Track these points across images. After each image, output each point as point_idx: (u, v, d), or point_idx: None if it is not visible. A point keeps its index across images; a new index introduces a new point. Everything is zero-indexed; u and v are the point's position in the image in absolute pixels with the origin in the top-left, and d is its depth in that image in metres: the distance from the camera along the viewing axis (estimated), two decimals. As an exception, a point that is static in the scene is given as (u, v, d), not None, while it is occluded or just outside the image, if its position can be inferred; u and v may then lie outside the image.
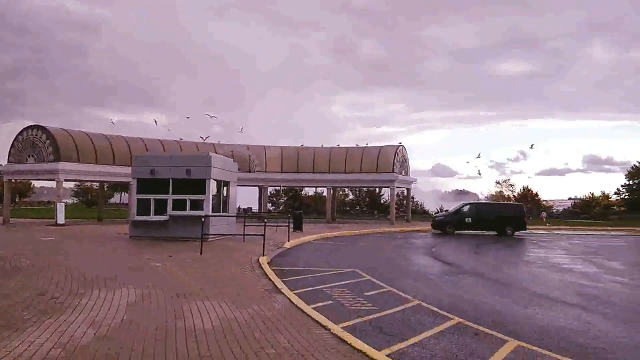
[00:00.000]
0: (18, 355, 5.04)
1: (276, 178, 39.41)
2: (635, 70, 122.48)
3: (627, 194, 65.88)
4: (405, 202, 47.23)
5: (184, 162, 20.24)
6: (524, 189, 69.53)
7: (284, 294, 8.79)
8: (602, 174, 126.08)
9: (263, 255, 14.13)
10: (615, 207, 64.68)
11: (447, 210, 37.99)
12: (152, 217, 19.92)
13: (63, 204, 30.46)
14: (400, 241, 24.48)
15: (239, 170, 36.70)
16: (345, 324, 7.08)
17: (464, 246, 22.16)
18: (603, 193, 69.39)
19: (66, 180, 32.85)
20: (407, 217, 42.62)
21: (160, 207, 19.97)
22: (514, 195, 68.65)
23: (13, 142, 31.80)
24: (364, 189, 59.59)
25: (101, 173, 32.83)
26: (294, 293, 9.14)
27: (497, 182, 75.97)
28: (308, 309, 7.64)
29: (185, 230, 19.11)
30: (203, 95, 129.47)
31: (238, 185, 36.09)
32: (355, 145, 40.45)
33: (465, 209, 31.28)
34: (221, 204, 21.39)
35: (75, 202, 69.21)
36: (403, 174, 39.59)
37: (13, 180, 36.55)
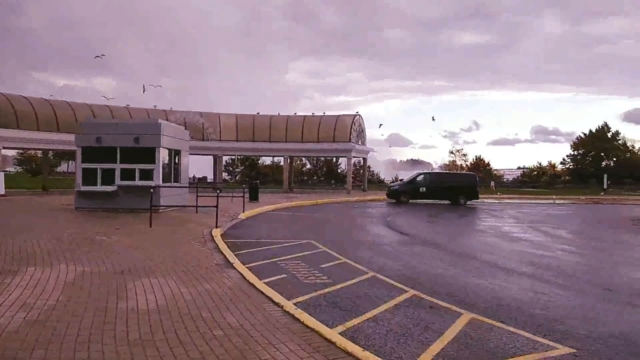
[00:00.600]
0: None
1: (231, 147, 38.52)
2: (581, 44, 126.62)
3: (572, 164, 68.87)
4: (362, 171, 47.47)
5: (132, 129, 19.25)
6: (476, 159, 71.43)
7: (236, 269, 8.45)
8: (548, 144, 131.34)
9: (216, 228, 13.69)
10: (561, 177, 67.53)
11: (402, 180, 38.46)
12: (99, 188, 18.98)
13: (2, 173, 28.64)
14: (357, 211, 24.52)
15: (192, 138, 35.66)
16: (299, 299, 6.84)
17: (419, 215, 22.42)
18: (550, 163, 72.30)
19: (5, 148, 30.87)
20: (363, 186, 42.88)
21: (108, 177, 19.02)
22: (466, 165, 70.44)
23: (-56, 106, 29.44)
24: (321, 158, 59.51)
25: (44, 140, 31.02)
26: (247, 267, 8.83)
27: (451, 152, 77.77)
28: (260, 284, 7.34)
29: (135, 201, 18.33)
30: (156, 60, 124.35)
31: (191, 154, 35.09)
32: (312, 114, 39.93)
33: (420, 178, 31.67)
34: (172, 173, 20.63)
35: (19, 171, 65.84)
36: (360, 143, 39.56)
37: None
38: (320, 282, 8.06)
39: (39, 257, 8.94)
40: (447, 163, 72.79)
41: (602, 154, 66.20)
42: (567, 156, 69.87)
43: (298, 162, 57.92)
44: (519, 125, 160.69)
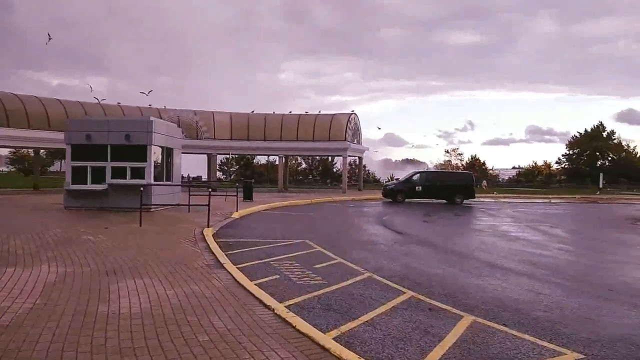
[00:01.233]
0: None
1: (225, 145, 38.07)
2: (575, 44, 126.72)
3: (567, 163, 68.87)
4: (357, 170, 47.15)
5: (123, 126, 18.84)
6: (472, 158, 71.30)
7: (226, 269, 8.12)
8: (543, 144, 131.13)
9: (208, 227, 13.35)
10: (556, 176, 67.51)
11: (397, 179, 38.19)
12: (89, 186, 18.59)
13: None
14: (352, 210, 24.22)
15: (185, 136, 35.36)
16: (291, 302, 6.53)
17: (415, 215, 22.14)
18: (545, 162, 72.25)
19: (-4, 146, 30.42)
20: (359, 185, 42.56)
21: (99, 175, 18.64)
22: (462, 164, 70.28)
23: None
24: (317, 157, 59.19)
25: (35, 139, 30.54)
26: (238, 268, 8.50)
27: (446, 151, 77.64)
28: (251, 285, 7.02)
29: (126, 200, 17.94)
30: (150, 58, 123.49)
31: (185, 153, 34.69)
32: (306, 112, 39.54)
33: (416, 177, 31.39)
34: (165, 172, 20.25)
35: (11, 170, 65.19)
36: (355, 142, 39.26)
37: None
38: (314, 283, 7.74)
39: (20, 257, 8.58)
40: (443, 163, 72.63)
41: (598, 154, 66.22)
42: (562, 155, 69.93)
43: (293, 161, 57.57)
44: (514, 125, 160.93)
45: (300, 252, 10.67)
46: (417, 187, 30.24)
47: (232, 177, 55.56)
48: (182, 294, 6.43)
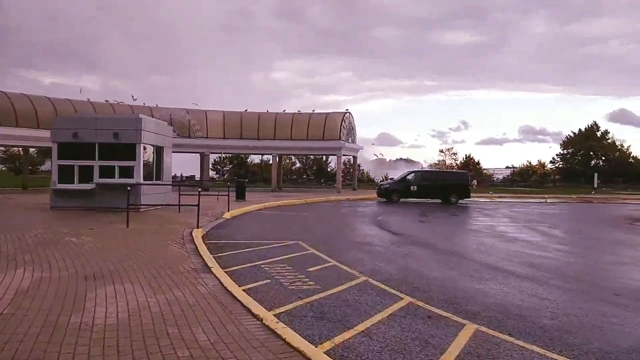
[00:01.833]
0: None
1: (218, 144, 37.55)
2: (568, 44, 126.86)
3: (561, 162, 68.83)
4: (351, 170, 46.79)
5: (111, 124, 18.35)
6: (466, 158, 71.04)
7: (213, 274, 7.68)
8: (536, 143, 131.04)
9: (197, 228, 12.89)
10: (551, 176, 67.45)
11: (392, 179, 37.84)
12: (77, 185, 18.09)
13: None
14: (347, 210, 23.82)
15: (177, 135, 34.86)
16: (281, 310, 6.11)
17: (410, 215, 21.77)
18: (540, 162, 72.18)
19: (-18, 145, 29.77)
20: (353, 185, 42.17)
21: (86, 175, 18.14)
22: (456, 164, 70.03)
23: None
24: (311, 156, 58.73)
25: (23, 137, 29.92)
26: (227, 271, 8.08)
27: (441, 151, 77.41)
28: (239, 292, 6.58)
29: (114, 199, 17.44)
30: (142, 57, 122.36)
31: (178, 152, 34.25)
32: (298, 112, 39.04)
33: (411, 177, 31.04)
34: (155, 171, 19.75)
35: (2, 169, 64.36)
36: (350, 141, 38.87)
37: None
38: (306, 289, 7.32)
39: (-4, 261, 8.10)
40: (437, 162, 72.33)
41: (592, 153, 66.22)
42: (557, 155, 69.89)
43: (287, 160, 57.11)
44: (507, 124, 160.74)
45: (293, 254, 10.26)
46: (412, 187, 29.89)
47: (225, 177, 55.00)
48: (164, 301, 5.99)
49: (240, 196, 25.22)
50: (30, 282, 6.75)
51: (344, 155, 38.97)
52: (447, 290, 7.64)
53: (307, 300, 6.66)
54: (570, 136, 68.53)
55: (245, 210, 19.93)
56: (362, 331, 5.44)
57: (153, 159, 19.80)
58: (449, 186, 30.03)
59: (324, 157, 59.23)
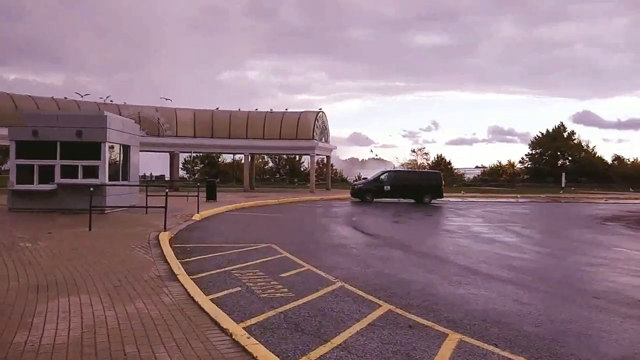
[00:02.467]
0: None
1: (188, 143, 36.66)
2: (534, 48, 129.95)
3: (530, 162, 70.15)
4: (325, 170, 46.47)
5: (74, 122, 17.49)
6: (438, 158, 71.65)
7: (180, 282, 7.17)
8: (505, 144, 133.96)
9: (165, 231, 12.29)
10: (520, 175, 68.65)
11: (365, 178, 37.66)
12: (36, 186, 17.16)
13: None
14: (321, 210, 23.45)
15: (146, 134, 33.83)
16: (253, 321, 5.67)
17: (385, 215, 21.54)
18: (509, 162, 73.38)
19: None
20: (327, 185, 41.84)
21: (47, 175, 17.23)
22: (428, 164, 70.53)
23: None
24: (284, 156, 58.17)
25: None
26: (194, 278, 7.57)
27: (413, 151, 77.82)
28: (207, 302, 6.10)
29: (77, 201, 16.54)
30: (109, 54, 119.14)
31: (147, 151, 33.27)
32: (271, 111, 38.45)
33: (384, 177, 30.88)
34: (121, 171, 18.95)
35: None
36: (323, 140, 38.53)
37: None
38: (280, 297, 6.89)
39: (-62, 270, 7.39)
40: (409, 162, 72.68)
41: (559, 153, 67.69)
42: (525, 155, 71.17)
43: (260, 160, 56.36)
44: (477, 125, 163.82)
45: (265, 259, 9.80)
46: (385, 187, 29.73)
47: (196, 176, 53.91)
48: (123, 314, 5.46)
49: (211, 197, 24.55)
50: (-27, 294, 6.12)
51: (317, 154, 38.61)
52: (427, 296, 7.32)
53: (281, 309, 6.24)
54: (539, 137, 69.88)
55: (215, 212, 19.33)
56: (340, 344, 5.05)
57: (119, 158, 19.00)
58: (423, 186, 30.00)
59: (297, 156, 58.78)
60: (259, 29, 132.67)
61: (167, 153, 38.63)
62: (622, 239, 16.01)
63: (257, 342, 4.72)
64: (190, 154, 40.90)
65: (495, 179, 65.76)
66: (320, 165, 52.64)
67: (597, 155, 68.35)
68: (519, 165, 72.11)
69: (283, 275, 8.33)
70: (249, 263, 9.27)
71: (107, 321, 5.20)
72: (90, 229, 12.33)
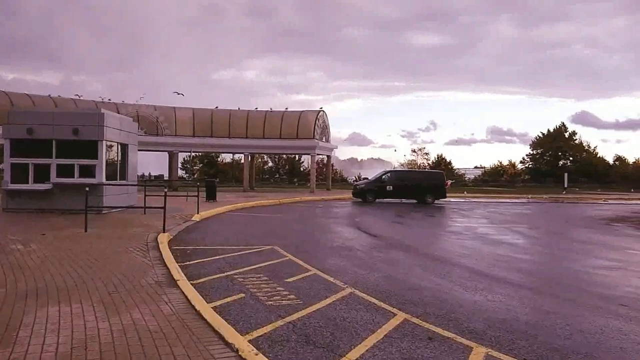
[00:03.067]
0: None
1: (187, 143, 36.18)
2: (532, 48, 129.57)
3: (531, 163, 69.78)
4: (325, 169, 46.02)
5: (70, 120, 17.01)
6: (438, 158, 71.24)
7: (180, 288, 6.71)
8: (503, 144, 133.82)
9: (164, 232, 11.83)
10: (521, 176, 68.31)
11: (366, 178, 37.23)
12: (31, 186, 16.69)
13: None
14: (322, 211, 23.00)
15: (145, 133, 33.37)
16: (259, 332, 5.22)
17: (387, 216, 21.09)
18: (510, 162, 73.04)
19: None
20: (327, 185, 41.37)
21: (42, 174, 16.75)
22: (428, 164, 70.11)
23: None
24: (284, 156, 57.72)
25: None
26: (195, 284, 7.12)
27: (413, 151, 77.31)
28: (209, 311, 5.64)
29: (74, 201, 16.11)
30: (109, 53, 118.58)
31: (145, 151, 32.80)
32: (270, 110, 37.97)
33: (386, 177, 30.43)
34: (118, 170, 18.47)
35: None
36: (324, 140, 38.09)
37: None
38: (287, 304, 6.44)
39: None
40: (409, 162, 72.23)
41: (560, 154, 67.33)
42: (526, 155, 70.82)
43: (259, 159, 55.89)
44: (475, 125, 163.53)
45: (268, 262, 9.35)
46: (387, 187, 29.30)
47: (195, 176, 53.42)
48: (118, 327, 5.00)
49: (211, 197, 24.10)
50: (-44, 302, 5.66)
51: (318, 154, 38.17)
52: (443, 303, 6.87)
53: (289, 319, 5.79)
54: (540, 137, 69.51)
55: (216, 212, 18.86)
56: (357, 360, 4.60)
57: (117, 157, 18.53)
58: (425, 186, 29.57)
59: (297, 156, 58.33)
60: (258, 29, 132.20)
61: (166, 152, 38.16)
62: (632, 240, 15.59)
63: (266, 359, 4.26)
64: (189, 153, 40.38)
65: (496, 179, 65.41)
66: (320, 165, 52.19)
67: (598, 156, 68.05)
68: (519, 166, 71.80)
69: (288, 280, 7.88)
70: (252, 267, 8.82)
71: (100, 335, 4.73)
72: (86, 230, 11.87)
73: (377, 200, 29.13)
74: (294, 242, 12.15)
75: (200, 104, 43.73)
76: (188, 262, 8.99)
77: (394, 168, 52.69)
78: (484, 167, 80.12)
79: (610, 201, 37.07)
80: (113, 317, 5.28)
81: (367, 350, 4.88)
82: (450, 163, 70.66)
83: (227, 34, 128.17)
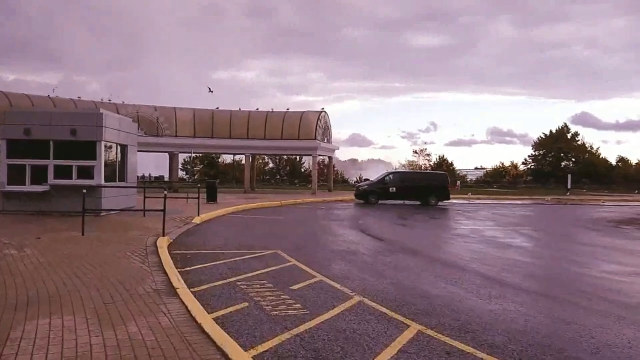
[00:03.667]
0: None
1: (188, 143, 35.80)
2: (532, 48, 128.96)
3: (533, 164, 69.41)
4: (326, 170, 45.68)
5: (68, 120, 16.68)
6: (439, 159, 70.92)
7: (179, 297, 6.34)
8: (504, 145, 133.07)
9: (163, 236, 11.46)
10: (523, 177, 67.95)
11: (367, 179, 36.89)
12: (28, 187, 16.35)
13: None
14: (325, 213, 22.64)
15: (145, 133, 33.03)
16: (264, 347, 4.85)
17: (391, 218, 20.73)
18: (512, 163, 72.67)
19: None
20: (329, 186, 41.01)
21: (39, 175, 16.42)
22: (430, 165, 69.78)
23: None
24: (285, 156, 57.39)
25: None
26: (195, 292, 6.76)
27: (415, 152, 76.98)
28: (210, 323, 5.27)
29: (71, 203, 15.77)
30: (109, 53, 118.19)
31: (145, 151, 32.42)
32: (271, 110, 37.59)
33: (389, 178, 30.07)
34: (117, 171, 18.12)
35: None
36: (325, 141, 37.72)
37: None
38: (293, 315, 6.07)
39: None
40: (410, 162, 71.89)
41: (562, 155, 66.96)
42: (528, 156, 70.48)
43: (260, 160, 55.56)
44: (475, 126, 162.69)
45: (272, 267, 8.99)
46: (390, 188, 28.94)
47: (195, 177, 53.09)
48: (112, 342, 4.63)
49: (212, 198, 23.75)
50: (-60, 314, 5.29)
51: (319, 155, 37.81)
52: (457, 313, 6.50)
53: (295, 331, 5.42)
54: (542, 137, 69.16)
55: (216, 214, 18.50)
56: (371, 380, 4.23)
57: (116, 158, 18.18)
58: (429, 188, 29.23)
59: (298, 157, 58.01)
60: (258, 29, 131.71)
61: (166, 153, 37.79)
62: (644, 244, 15.22)
63: (274, 381, 3.90)
64: (189, 154, 40.04)
65: (497, 181, 65.06)
66: (322, 166, 51.84)
67: (600, 157, 67.67)
68: (521, 167, 71.47)
69: (294, 287, 7.52)
70: (254, 273, 8.45)
71: (93, 352, 4.36)
72: (83, 234, 11.50)
73: (379, 201, 28.77)
74: (297, 246, 11.79)
75: (200, 104, 43.38)
76: (188, 268, 8.63)
77: (396, 169, 52.33)
78: (485, 168, 79.91)
79: (616, 203, 36.68)
80: (107, 331, 4.91)
81: (381, 367, 4.51)
82: (452, 164, 70.37)
83: (227, 34, 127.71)
